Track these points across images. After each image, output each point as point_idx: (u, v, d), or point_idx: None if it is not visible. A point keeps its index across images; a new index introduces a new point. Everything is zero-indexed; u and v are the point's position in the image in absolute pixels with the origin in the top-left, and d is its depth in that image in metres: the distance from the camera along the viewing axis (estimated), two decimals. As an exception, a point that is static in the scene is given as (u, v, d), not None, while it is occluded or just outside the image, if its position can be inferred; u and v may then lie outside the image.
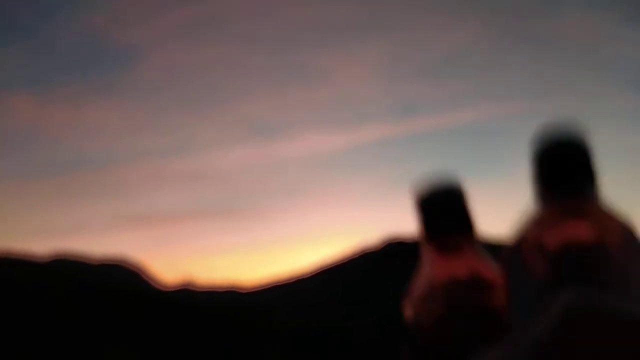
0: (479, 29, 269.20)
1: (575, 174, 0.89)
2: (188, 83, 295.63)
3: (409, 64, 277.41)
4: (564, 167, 0.91)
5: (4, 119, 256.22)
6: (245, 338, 65.71)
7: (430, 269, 0.93)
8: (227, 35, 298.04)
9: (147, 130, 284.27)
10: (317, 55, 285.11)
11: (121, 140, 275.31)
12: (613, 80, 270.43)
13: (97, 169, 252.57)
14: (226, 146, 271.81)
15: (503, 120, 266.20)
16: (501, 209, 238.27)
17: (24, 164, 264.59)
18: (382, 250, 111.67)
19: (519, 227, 0.92)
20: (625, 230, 0.85)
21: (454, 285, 0.90)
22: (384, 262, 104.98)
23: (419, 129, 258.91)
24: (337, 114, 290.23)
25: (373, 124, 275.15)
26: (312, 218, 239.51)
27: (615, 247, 0.82)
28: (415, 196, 0.93)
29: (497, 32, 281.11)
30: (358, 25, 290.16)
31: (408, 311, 0.95)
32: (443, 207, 0.90)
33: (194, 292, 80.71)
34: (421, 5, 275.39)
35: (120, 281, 76.74)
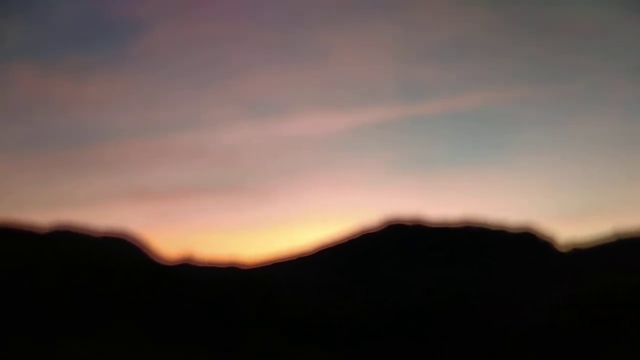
0: (486, 14, 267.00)
1: None
2: (192, 58, 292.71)
3: (416, 46, 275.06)
4: None
5: (8, 88, 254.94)
6: (244, 314, 66.18)
7: None
8: (233, 13, 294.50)
9: (150, 105, 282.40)
10: (323, 36, 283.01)
11: (124, 114, 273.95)
12: (617, 68, 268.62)
13: (100, 143, 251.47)
14: (230, 123, 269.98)
15: (508, 106, 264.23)
16: (504, 193, 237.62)
17: (26, 135, 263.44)
18: (382, 231, 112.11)
19: None
20: None
21: None
22: (384, 244, 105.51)
23: (423, 112, 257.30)
24: (342, 94, 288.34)
25: (377, 106, 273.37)
26: (314, 198, 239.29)
27: None
28: None
29: (504, 18, 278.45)
30: (365, 7, 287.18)
31: None
32: None
33: (195, 267, 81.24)
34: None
35: (122, 254, 77.31)
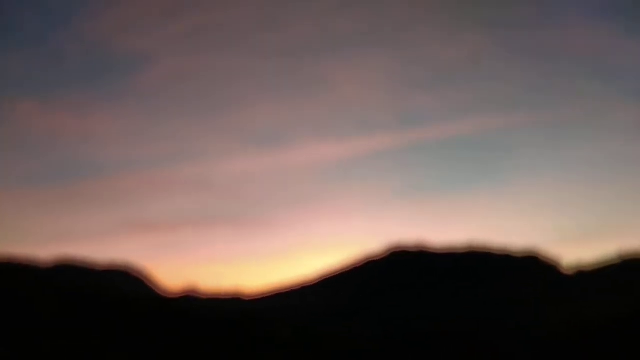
0: (480, 42, 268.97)
1: None
2: (193, 91, 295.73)
3: (412, 76, 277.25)
4: None
5: (12, 124, 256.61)
6: (247, 347, 65.66)
7: None
8: (233, 45, 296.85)
9: (152, 138, 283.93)
10: (322, 66, 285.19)
11: (126, 147, 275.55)
12: (615, 91, 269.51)
13: (102, 176, 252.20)
14: (231, 154, 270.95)
15: (503, 132, 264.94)
16: (499, 217, 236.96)
17: (30, 170, 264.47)
18: (385, 259, 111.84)
19: None
20: None
21: None
22: (388, 271, 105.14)
23: (420, 139, 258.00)
24: (341, 124, 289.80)
25: (375, 134, 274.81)
26: (315, 226, 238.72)
27: None
28: None
29: (498, 45, 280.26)
30: (362, 37, 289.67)
31: None
32: None
33: (197, 299, 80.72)
34: (424, 19, 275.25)
35: (124, 287, 76.89)
